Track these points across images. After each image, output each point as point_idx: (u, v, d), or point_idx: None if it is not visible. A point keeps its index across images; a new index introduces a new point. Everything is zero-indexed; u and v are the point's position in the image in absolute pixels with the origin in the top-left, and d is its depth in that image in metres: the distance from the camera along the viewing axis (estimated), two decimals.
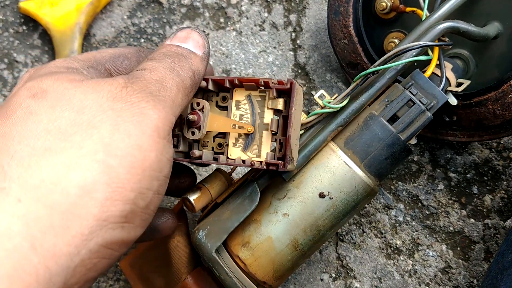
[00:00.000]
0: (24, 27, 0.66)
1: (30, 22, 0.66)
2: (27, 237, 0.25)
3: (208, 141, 0.40)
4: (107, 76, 0.36)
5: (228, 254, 0.43)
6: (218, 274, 0.41)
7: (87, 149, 0.28)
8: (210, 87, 0.39)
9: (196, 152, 0.38)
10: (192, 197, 0.43)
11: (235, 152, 0.39)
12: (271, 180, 0.43)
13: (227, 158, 0.39)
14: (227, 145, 0.39)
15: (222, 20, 0.64)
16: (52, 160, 0.27)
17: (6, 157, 0.27)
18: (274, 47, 0.63)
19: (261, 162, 0.38)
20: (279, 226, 0.42)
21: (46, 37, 0.65)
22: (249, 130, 0.38)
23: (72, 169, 0.27)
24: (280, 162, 0.37)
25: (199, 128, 0.37)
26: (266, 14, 0.64)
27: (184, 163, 0.40)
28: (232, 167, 0.47)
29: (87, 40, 0.65)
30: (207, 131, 0.38)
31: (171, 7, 0.65)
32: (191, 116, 0.37)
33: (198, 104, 0.37)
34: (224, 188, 0.45)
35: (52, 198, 0.26)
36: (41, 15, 0.62)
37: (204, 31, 0.64)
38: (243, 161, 0.38)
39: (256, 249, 0.42)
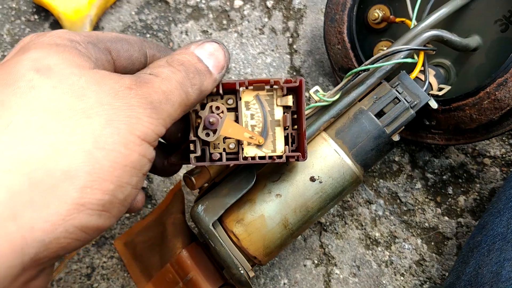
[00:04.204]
0: (36, 16, 0.69)
1: (42, 12, 0.69)
2: (9, 207, 0.26)
3: (219, 143, 0.41)
4: (106, 55, 0.36)
5: (223, 229, 0.46)
6: (214, 245, 0.44)
7: (77, 137, 0.28)
8: (220, 91, 0.39)
9: (217, 155, 0.40)
10: (193, 175, 0.46)
11: (250, 150, 0.41)
12: (266, 164, 0.47)
13: (244, 157, 0.41)
14: (242, 144, 0.41)
15: (224, 22, 0.69)
16: (43, 139, 0.28)
17: (2, 123, 0.27)
18: (272, 50, 0.67)
19: (280, 156, 0.40)
20: (271, 206, 0.45)
21: (56, 26, 0.68)
22: (260, 142, 0.40)
23: (60, 153, 0.28)
24: (299, 153, 0.40)
25: (214, 131, 0.39)
26: (266, 20, 0.68)
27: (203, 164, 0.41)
28: None
29: None
30: (220, 135, 0.39)
31: (177, 6, 0.69)
32: (212, 119, 0.38)
33: (217, 108, 0.39)
34: (222, 169, 0.47)
35: (37, 176, 0.27)
36: (54, 5, 0.66)
37: (207, 31, 0.68)
38: (262, 157, 0.41)
39: (249, 226, 0.45)
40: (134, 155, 0.31)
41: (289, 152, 0.41)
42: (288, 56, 0.67)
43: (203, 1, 0.69)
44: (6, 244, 0.26)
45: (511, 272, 0.42)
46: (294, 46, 0.68)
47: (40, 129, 0.28)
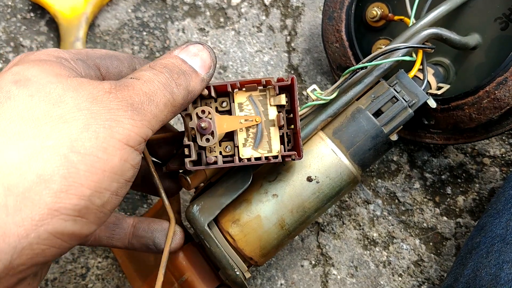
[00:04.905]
0: (32, 14, 0.68)
1: (38, 9, 0.69)
2: None
3: (215, 146, 0.41)
4: (95, 71, 0.36)
5: (219, 230, 0.45)
6: (209, 246, 0.44)
7: (52, 142, 0.28)
8: (212, 94, 0.39)
9: (213, 158, 0.40)
10: (189, 175, 0.45)
11: (246, 151, 0.41)
12: (263, 164, 0.46)
13: (240, 159, 0.40)
14: (237, 146, 0.40)
15: (222, 19, 0.68)
16: (18, 144, 0.27)
17: None
18: (270, 48, 0.67)
19: (276, 156, 0.40)
20: (268, 206, 0.45)
21: (52, 24, 0.68)
22: (257, 121, 0.40)
23: (34, 157, 0.27)
24: (295, 153, 0.39)
25: (212, 134, 0.38)
26: (264, 17, 0.68)
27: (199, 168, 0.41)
28: None
29: (92, 30, 0.68)
30: (218, 134, 0.39)
31: (174, 4, 0.69)
32: (203, 124, 0.37)
33: (203, 112, 0.38)
34: (218, 169, 0.47)
35: (10, 180, 0.27)
36: (50, 3, 0.65)
37: (204, 29, 0.68)
38: (258, 158, 0.40)
39: (245, 226, 0.45)
40: (114, 160, 0.30)
41: (284, 151, 0.40)
42: (286, 55, 0.67)
43: None
44: None
45: (510, 275, 0.41)
46: (292, 44, 0.67)
47: (15, 136, 0.28)
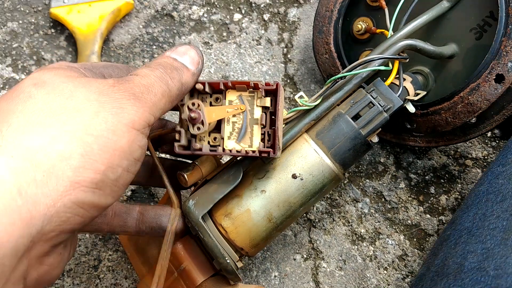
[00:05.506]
0: (53, 30, 0.75)
1: (58, 26, 0.75)
2: (15, 184, 0.30)
3: (204, 136, 0.46)
4: (101, 77, 0.41)
5: (212, 222, 0.49)
6: (203, 236, 0.47)
7: (69, 127, 0.33)
8: (206, 89, 0.44)
9: (198, 145, 0.44)
10: (186, 173, 0.49)
11: (230, 143, 0.45)
12: (253, 162, 0.50)
13: (223, 149, 0.45)
14: (223, 138, 0.45)
15: (224, 34, 0.73)
16: (41, 131, 0.32)
17: (5, 125, 0.32)
18: (268, 59, 0.72)
19: (254, 151, 0.44)
20: (257, 201, 0.48)
21: (71, 39, 0.74)
22: (241, 109, 0.44)
23: (55, 140, 0.32)
24: (270, 150, 0.44)
25: (202, 123, 0.43)
26: (263, 31, 0.73)
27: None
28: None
29: (106, 44, 0.74)
30: (209, 123, 0.43)
31: (182, 20, 0.74)
32: (193, 114, 0.42)
33: (193, 104, 0.43)
34: (213, 168, 0.51)
35: (37, 158, 0.31)
36: (69, 20, 0.71)
37: (208, 42, 0.73)
38: (238, 151, 0.45)
39: (236, 219, 0.48)
40: (123, 140, 0.35)
41: (263, 148, 0.44)
42: (283, 65, 0.71)
43: (205, 15, 0.74)
44: (16, 216, 0.29)
45: (473, 263, 0.44)
46: (288, 56, 0.72)
47: (37, 124, 0.33)
